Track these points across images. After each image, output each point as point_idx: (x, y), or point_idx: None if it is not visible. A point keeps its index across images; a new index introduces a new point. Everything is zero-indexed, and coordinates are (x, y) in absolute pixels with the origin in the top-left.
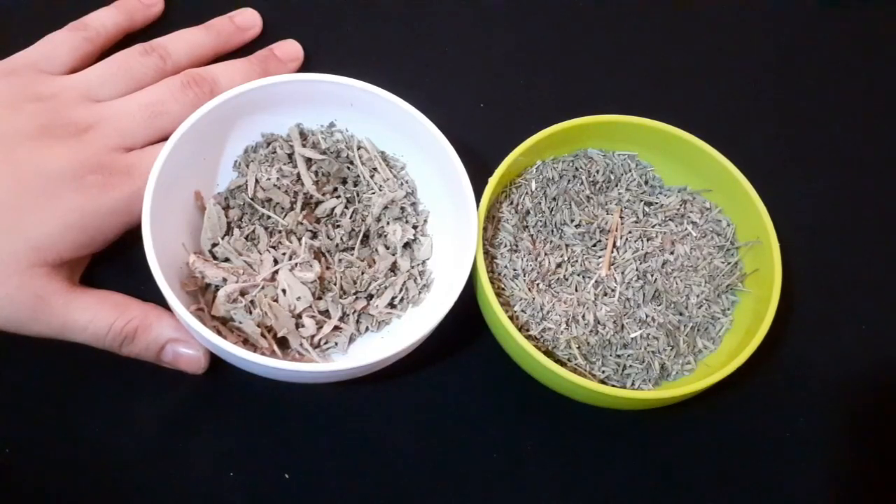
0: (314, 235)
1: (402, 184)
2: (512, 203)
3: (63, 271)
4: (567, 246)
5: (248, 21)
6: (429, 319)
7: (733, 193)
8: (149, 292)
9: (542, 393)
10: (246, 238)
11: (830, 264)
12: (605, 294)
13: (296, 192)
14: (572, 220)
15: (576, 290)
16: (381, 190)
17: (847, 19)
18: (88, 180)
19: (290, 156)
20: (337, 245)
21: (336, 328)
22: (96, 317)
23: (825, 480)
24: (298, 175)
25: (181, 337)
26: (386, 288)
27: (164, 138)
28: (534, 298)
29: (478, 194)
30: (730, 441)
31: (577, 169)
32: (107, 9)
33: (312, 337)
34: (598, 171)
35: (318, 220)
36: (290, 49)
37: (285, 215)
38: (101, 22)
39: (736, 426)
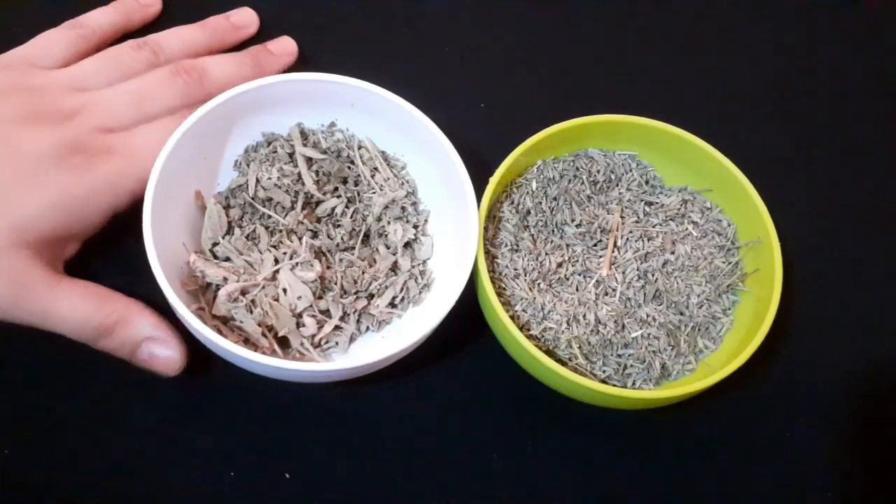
0: (315, 235)
1: (402, 183)
2: (513, 203)
3: (45, 255)
4: (568, 246)
5: (244, 20)
6: (429, 319)
7: (734, 193)
8: (149, 291)
9: (542, 392)
10: (247, 237)
11: (830, 264)
12: (606, 294)
13: (296, 192)
14: (573, 220)
15: (577, 290)
16: (381, 189)
17: (847, 19)
18: (71, 161)
19: (291, 155)
20: (337, 244)
21: (337, 328)
22: (78, 307)
23: (825, 480)
24: (299, 174)
25: (159, 336)
26: (386, 287)
27: (151, 122)
28: (534, 298)
29: (478, 194)
30: (730, 441)
31: (577, 169)
32: (104, 8)
33: (313, 336)
34: (598, 171)
35: (318, 220)
36: (283, 44)
37: (286, 215)
38: (97, 21)
39: (736, 426)
